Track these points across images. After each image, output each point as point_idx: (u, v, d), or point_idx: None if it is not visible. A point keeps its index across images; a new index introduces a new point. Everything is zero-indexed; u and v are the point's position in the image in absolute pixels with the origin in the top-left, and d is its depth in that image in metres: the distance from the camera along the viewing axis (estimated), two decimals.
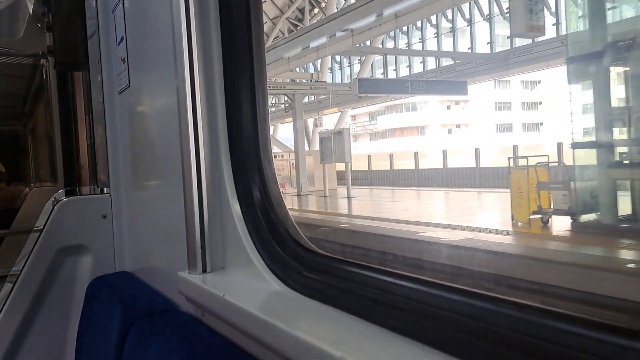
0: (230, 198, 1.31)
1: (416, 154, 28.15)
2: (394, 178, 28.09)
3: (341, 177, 25.36)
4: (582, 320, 0.57)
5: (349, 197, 20.45)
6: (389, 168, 29.73)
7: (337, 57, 36.40)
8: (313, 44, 19.36)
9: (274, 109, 34.43)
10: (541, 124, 58.56)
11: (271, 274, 1.16)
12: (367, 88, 20.90)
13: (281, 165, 24.64)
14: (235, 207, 1.30)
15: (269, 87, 22.67)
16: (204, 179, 1.33)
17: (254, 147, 1.30)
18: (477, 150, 24.00)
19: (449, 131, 59.38)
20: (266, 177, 1.28)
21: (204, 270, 1.32)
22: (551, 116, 56.15)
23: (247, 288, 1.17)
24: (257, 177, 1.28)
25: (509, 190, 11.92)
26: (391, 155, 29.85)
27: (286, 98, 25.38)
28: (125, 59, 1.94)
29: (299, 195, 23.21)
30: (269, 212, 1.24)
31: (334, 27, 17.31)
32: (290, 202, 20.68)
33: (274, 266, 1.17)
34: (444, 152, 26.11)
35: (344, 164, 21.60)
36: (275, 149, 29.86)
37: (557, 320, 0.59)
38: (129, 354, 1.42)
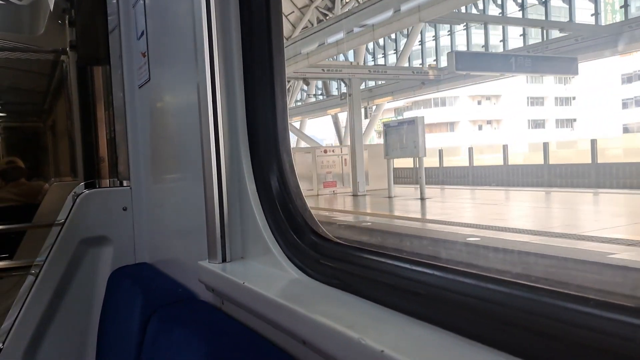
0: (249, 189, 1.34)
1: (470, 150, 25.64)
2: (444, 176, 25.69)
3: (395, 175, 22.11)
4: (593, 302, 0.59)
5: (422, 198, 16.56)
6: (437, 165, 26.69)
7: (370, 48, 33.35)
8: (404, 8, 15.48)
9: (300, 103, 32.67)
10: (575, 120, 56.02)
11: (289, 262, 1.19)
12: (466, 64, 17.19)
13: (332, 161, 21.11)
14: (254, 198, 1.33)
15: (322, 70, 20.46)
16: (223, 171, 1.36)
17: (272, 139, 1.33)
18: (545, 146, 21.53)
19: (480, 127, 56.28)
20: (284, 169, 1.30)
21: (224, 260, 1.36)
22: (585, 111, 53.95)
23: (266, 276, 1.20)
24: (276, 169, 1.30)
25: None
26: (440, 151, 27.06)
27: (314, 90, 23.35)
28: (146, 54, 1.98)
29: (355, 195, 19.55)
30: (287, 203, 1.26)
31: None
32: (342, 204, 17.27)
33: (292, 255, 1.20)
34: (505, 148, 23.64)
35: (390, 159, 18.10)
36: (302, 145, 28.00)
37: (566, 301, 0.61)
38: (150, 341, 1.46)
